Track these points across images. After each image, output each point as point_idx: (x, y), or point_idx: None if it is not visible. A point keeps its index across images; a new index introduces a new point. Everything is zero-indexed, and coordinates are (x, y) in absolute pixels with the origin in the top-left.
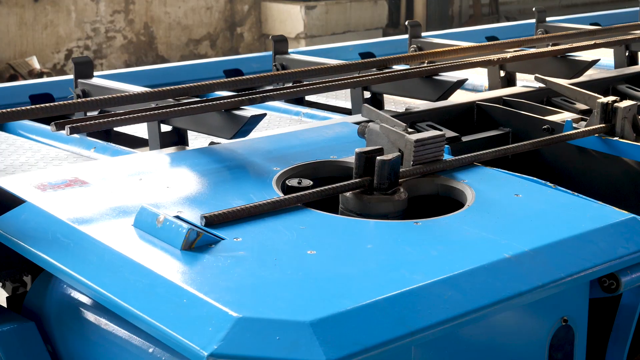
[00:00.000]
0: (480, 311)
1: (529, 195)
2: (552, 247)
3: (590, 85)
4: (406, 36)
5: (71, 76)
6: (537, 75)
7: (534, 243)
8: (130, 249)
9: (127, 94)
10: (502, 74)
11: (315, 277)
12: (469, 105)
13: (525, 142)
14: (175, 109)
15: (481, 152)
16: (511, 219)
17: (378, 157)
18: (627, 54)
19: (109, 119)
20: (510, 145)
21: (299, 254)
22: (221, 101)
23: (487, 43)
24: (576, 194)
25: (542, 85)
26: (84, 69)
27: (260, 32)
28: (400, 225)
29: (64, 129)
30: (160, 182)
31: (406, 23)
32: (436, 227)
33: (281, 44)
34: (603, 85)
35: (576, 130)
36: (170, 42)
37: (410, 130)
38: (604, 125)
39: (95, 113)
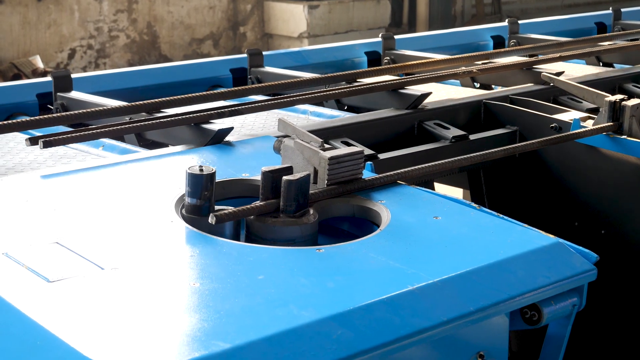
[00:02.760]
0: (374, 351)
1: (448, 218)
2: (464, 277)
3: (596, 83)
4: (411, 35)
5: (78, 74)
6: (544, 73)
7: (444, 272)
8: None
9: (102, 108)
10: (477, 85)
11: (191, 314)
12: (475, 104)
13: (532, 141)
14: (146, 123)
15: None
16: (424, 245)
17: (284, 177)
18: (600, 64)
19: (81, 134)
20: (518, 144)
21: (180, 287)
22: (190, 115)
23: (457, 56)
24: (501, 215)
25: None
26: (63, 82)
27: (263, 32)
28: (300, 252)
29: (37, 144)
30: (50, 204)
31: (380, 35)
32: (339, 255)
33: (256, 57)
34: (609, 84)
35: (584, 129)
36: (173, 42)
37: (327, 146)
38: (611, 123)
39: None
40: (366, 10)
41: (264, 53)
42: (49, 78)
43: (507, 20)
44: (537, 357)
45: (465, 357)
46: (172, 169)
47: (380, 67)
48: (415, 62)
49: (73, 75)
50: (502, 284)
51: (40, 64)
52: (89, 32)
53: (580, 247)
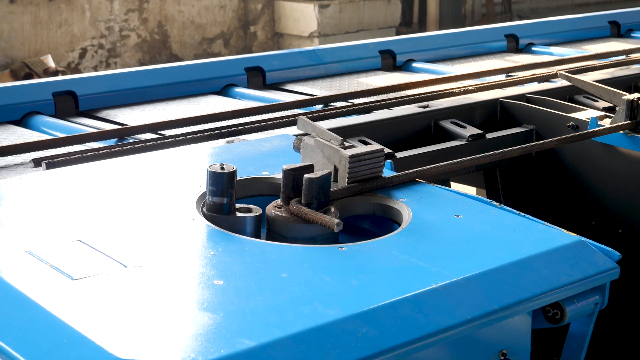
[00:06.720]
0: (399, 349)
1: (470, 216)
2: (487, 275)
3: (612, 82)
4: (423, 34)
5: (95, 73)
6: (560, 72)
7: (467, 271)
8: (17, 278)
9: (101, 130)
10: None
11: (216, 311)
12: (492, 103)
13: (550, 139)
14: (148, 144)
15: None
16: (446, 243)
17: (306, 175)
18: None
19: (85, 155)
20: (535, 143)
21: (203, 285)
22: (191, 136)
23: (447, 76)
24: (522, 214)
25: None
26: (67, 107)
27: (274, 31)
28: (323, 250)
29: (41, 165)
30: (71, 201)
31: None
32: (362, 253)
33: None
34: (625, 83)
35: (601, 127)
36: (184, 41)
37: (347, 144)
38: (629, 122)
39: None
40: (377, 10)
41: (279, 52)
42: (66, 77)
43: (503, 34)
44: (557, 356)
45: (488, 355)
46: (192, 166)
47: (373, 89)
48: (412, 81)
49: (84, 75)
50: (525, 282)
51: (51, 63)
52: (100, 32)
53: (603, 246)
